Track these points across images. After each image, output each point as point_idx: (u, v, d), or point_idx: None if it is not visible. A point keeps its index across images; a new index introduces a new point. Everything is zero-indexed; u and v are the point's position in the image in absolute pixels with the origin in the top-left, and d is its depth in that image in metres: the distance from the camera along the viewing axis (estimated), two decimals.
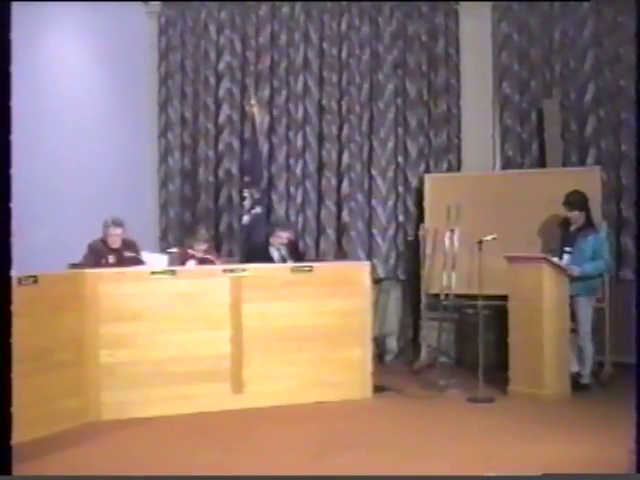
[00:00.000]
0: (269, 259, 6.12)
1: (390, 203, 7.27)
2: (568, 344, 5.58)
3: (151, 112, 7.70)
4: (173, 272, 5.35)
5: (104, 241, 5.67)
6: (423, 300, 6.83)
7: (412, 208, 7.23)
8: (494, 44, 7.10)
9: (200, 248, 6.01)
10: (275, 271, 5.66)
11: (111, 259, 5.62)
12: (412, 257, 7.12)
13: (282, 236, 6.22)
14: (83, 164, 6.56)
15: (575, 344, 5.70)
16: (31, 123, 5.52)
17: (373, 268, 6.30)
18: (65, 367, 4.79)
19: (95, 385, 4.98)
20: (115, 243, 5.66)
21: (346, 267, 6.01)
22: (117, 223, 5.66)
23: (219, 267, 5.61)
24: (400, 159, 7.28)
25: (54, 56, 6.38)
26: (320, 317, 5.51)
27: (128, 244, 5.77)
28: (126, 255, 5.71)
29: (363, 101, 7.32)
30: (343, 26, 7.36)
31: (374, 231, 7.29)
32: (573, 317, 5.68)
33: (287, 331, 5.41)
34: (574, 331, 5.70)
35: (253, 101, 7.12)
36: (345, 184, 7.32)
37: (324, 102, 7.39)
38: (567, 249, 5.69)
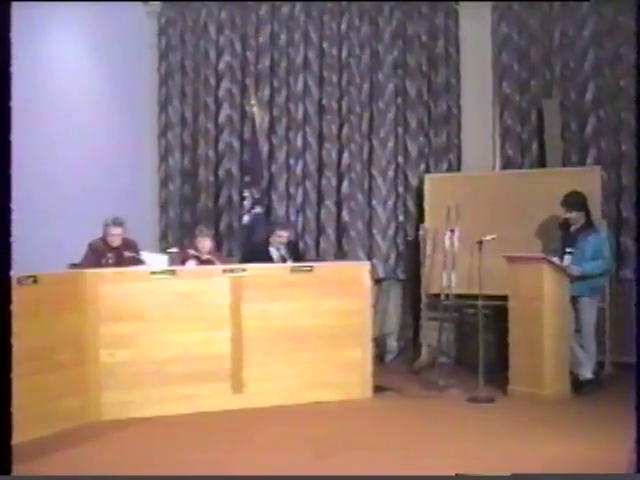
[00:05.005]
0: (269, 259, 6.12)
1: (390, 203, 7.27)
2: (568, 344, 5.58)
3: (151, 112, 7.70)
4: (173, 272, 5.35)
5: (104, 241, 5.68)
6: (423, 300, 6.83)
7: (412, 208, 7.23)
8: (494, 44, 7.10)
9: (205, 245, 6.00)
10: (275, 271, 5.66)
11: (111, 259, 5.62)
12: (412, 257, 7.12)
13: (282, 235, 6.22)
14: (83, 164, 6.56)
15: (577, 344, 5.70)
16: (31, 123, 5.52)
17: (373, 268, 6.30)
18: (65, 367, 4.79)
19: (95, 385, 4.98)
20: (115, 242, 5.66)
21: (346, 267, 6.01)
22: (117, 222, 5.67)
23: (219, 267, 5.61)
24: (400, 159, 7.28)
25: (54, 56, 6.38)
26: (320, 317, 5.51)
27: (128, 244, 5.77)
28: (126, 255, 5.71)
29: (363, 101, 7.32)
30: (343, 26, 7.36)
31: (374, 231, 7.29)
32: (577, 317, 5.70)
33: (287, 331, 5.41)
34: (578, 331, 5.70)
35: (253, 101, 7.13)
36: (345, 184, 7.32)
37: (324, 102, 7.39)
38: (568, 250, 5.69)
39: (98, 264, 5.46)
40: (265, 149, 7.40)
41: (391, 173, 7.27)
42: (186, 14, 7.67)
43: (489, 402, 5.36)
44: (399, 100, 7.28)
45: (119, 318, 5.06)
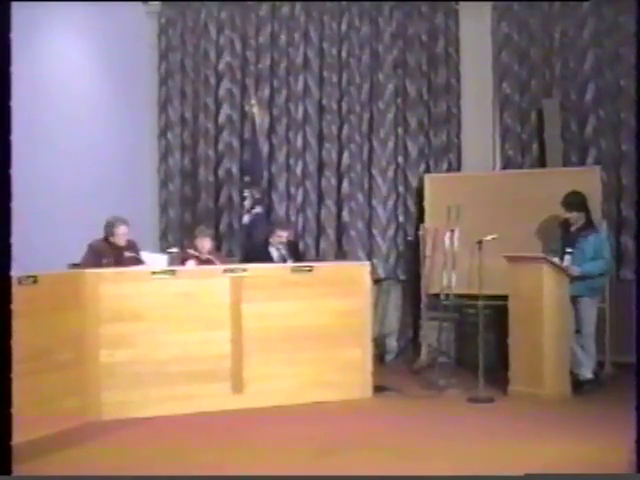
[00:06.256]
0: (269, 259, 6.13)
1: (390, 203, 7.27)
2: (568, 344, 5.58)
3: (151, 112, 7.70)
4: (173, 272, 5.35)
5: (106, 241, 5.68)
6: (423, 300, 6.83)
7: (412, 208, 7.23)
8: (494, 44, 7.10)
9: (204, 245, 6.01)
10: (275, 271, 5.66)
11: (112, 259, 5.62)
12: (412, 257, 7.12)
13: (282, 235, 6.22)
14: (83, 164, 6.56)
15: (577, 345, 5.70)
16: (31, 124, 5.53)
17: (373, 268, 6.30)
18: (65, 367, 4.79)
19: (95, 385, 4.98)
20: (121, 242, 5.68)
21: (346, 267, 6.01)
22: (125, 221, 5.69)
23: (219, 267, 5.61)
24: (400, 159, 7.28)
25: (54, 56, 6.38)
26: (320, 317, 5.51)
27: (129, 244, 5.78)
28: (126, 255, 5.71)
29: (363, 101, 7.33)
30: (343, 26, 7.36)
31: (374, 231, 7.29)
32: (576, 317, 5.70)
33: (287, 331, 5.41)
34: (578, 331, 5.70)
35: (253, 101, 7.13)
36: (345, 184, 7.32)
37: (324, 102, 7.39)
38: (568, 250, 5.69)
39: (98, 264, 5.45)
40: (265, 149, 7.40)
41: (391, 173, 7.27)
42: (186, 14, 7.67)
43: (489, 402, 5.36)
44: (399, 100, 7.28)
45: (119, 318, 5.06)
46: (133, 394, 5.06)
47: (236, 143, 7.56)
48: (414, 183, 7.22)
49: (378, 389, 5.66)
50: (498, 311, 5.95)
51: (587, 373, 5.70)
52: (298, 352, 5.43)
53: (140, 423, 4.86)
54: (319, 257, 7.26)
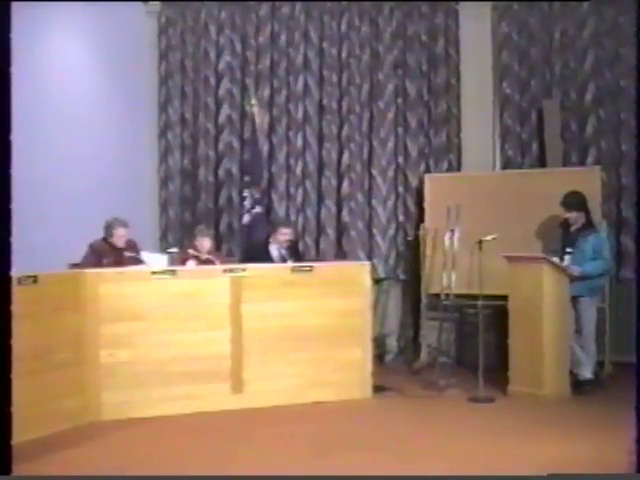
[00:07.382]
0: (269, 259, 6.13)
1: (390, 203, 7.27)
2: (568, 344, 5.58)
3: (151, 112, 7.70)
4: (173, 272, 5.35)
5: (105, 241, 5.69)
6: (423, 300, 6.83)
7: (412, 208, 7.23)
8: (494, 44, 7.10)
9: (204, 245, 6.02)
10: (275, 271, 5.66)
11: (112, 259, 5.62)
12: (412, 257, 7.12)
13: (285, 233, 6.21)
14: (83, 164, 6.56)
15: (577, 345, 5.69)
16: (31, 124, 5.53)
17: (373, 268, 6.30)
18: (65, 367, 4.79)
19: (95, 385, 4.98)
20: (120, 243, 5.69)
21: (346, 267, 6.00)
22: (124, 223, 5.69)
23: (219, 267, 5.61)
24: (400, 159, 7.28)
25: (54, 56, 6.37)
26: (320, 317, 5.51)
27: (130, 244, 5.79)
28: (126, 255, 5.72)
29: (363, 101, 7.33)
30: (343, 26, 7.36)
31: (374, 231, 7.29)
32: (576, 317, 5.70)
33: (287, 331, 5.41)
34: (578, 331, 5.70)
35: (253, 101, 7.13)
36: (345, 184, 7.32)
37: (324, 102, 7.39)
38: (568, 250, 5.69)
39: (99, 264, 5.46)
40: (265, 149, 7.40)
41: (391, 173, 7.27)
42: (186, 14, 7.67)
43: (489, 402, 5.37)
44: (399, 100, 7.28)
45: (119, 318, 5.06)
46: (133, 394, 5.06)
47: (236, 143, 7.56)
48: (414, 183, 7.22)
49: (378, 389, 5.66)
50: (498, 311, 5.95)
51: (587, 373, 5.70)
52: (298, 352, 5.43)
53: (140, 423, 4.86)
54: (319, 257, 7.26)
